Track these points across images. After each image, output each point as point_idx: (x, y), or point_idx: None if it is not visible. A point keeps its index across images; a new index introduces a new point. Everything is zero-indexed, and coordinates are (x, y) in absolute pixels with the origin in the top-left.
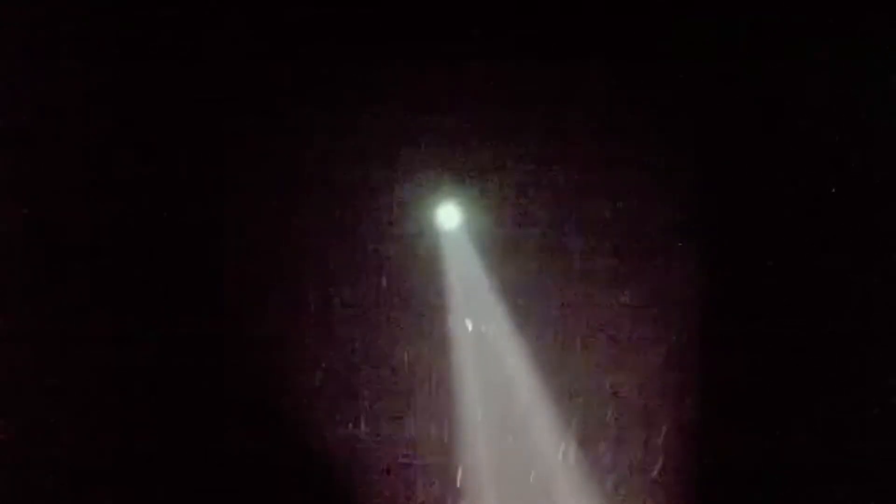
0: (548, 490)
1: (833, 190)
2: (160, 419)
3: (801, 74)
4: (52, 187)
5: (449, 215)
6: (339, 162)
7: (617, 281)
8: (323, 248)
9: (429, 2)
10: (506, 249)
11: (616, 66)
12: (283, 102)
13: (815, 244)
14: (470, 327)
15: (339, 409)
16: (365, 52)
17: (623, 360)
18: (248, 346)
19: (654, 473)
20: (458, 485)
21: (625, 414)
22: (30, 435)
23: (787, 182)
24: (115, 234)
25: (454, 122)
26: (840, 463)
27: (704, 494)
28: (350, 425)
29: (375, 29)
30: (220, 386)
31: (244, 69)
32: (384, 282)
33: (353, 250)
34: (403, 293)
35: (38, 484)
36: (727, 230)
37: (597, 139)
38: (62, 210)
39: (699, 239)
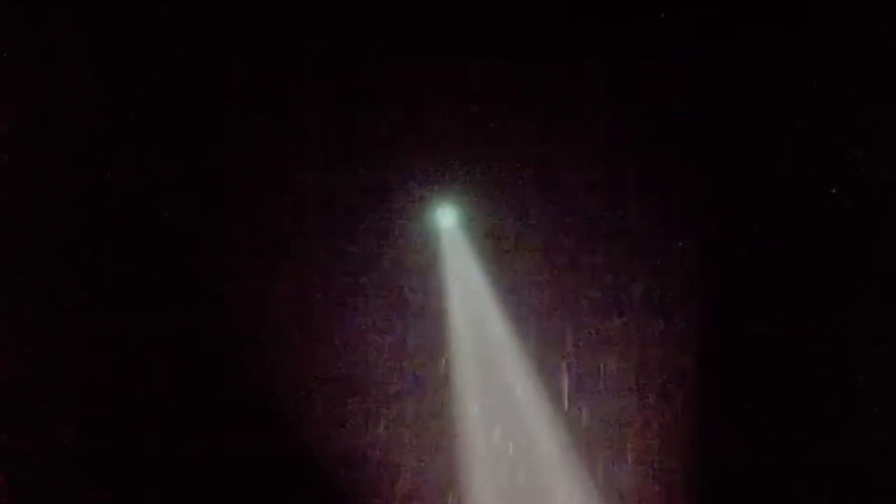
0: (546, 489)
1: (833, 190)
2: (160, 419)
3: (801, 74)
4: (51, 187)
5: (448, 215)
6: (338, 162)
7: (617, 281)
8: (323, 248)
9: (429, 1)
10: (505, 249)
11: (616, 66)
12: (283, 102)
13: (816, 244)
14: (469, 327)
15: (340, 409)
16: (365, 52)
17: (623, 360)
18: (248, 346)
19: (654, 472)
20: (459, 484)
21: (624, 413)
22: (30, 433)
23: (788, 182)
24: (115, 235)
25: (454, 122)
26: (840, 463)
27: (703, 493)
28: (350, 425)
29: (375, 28)
30: (220, 386)
31: (244, 69)
32: (384, 282)
33: (352, 250)
34: (403, 293)
35: (38, 484)
36: (727, 230)
37: (597, 139)
38: (62, 210)
39: (699, 239)
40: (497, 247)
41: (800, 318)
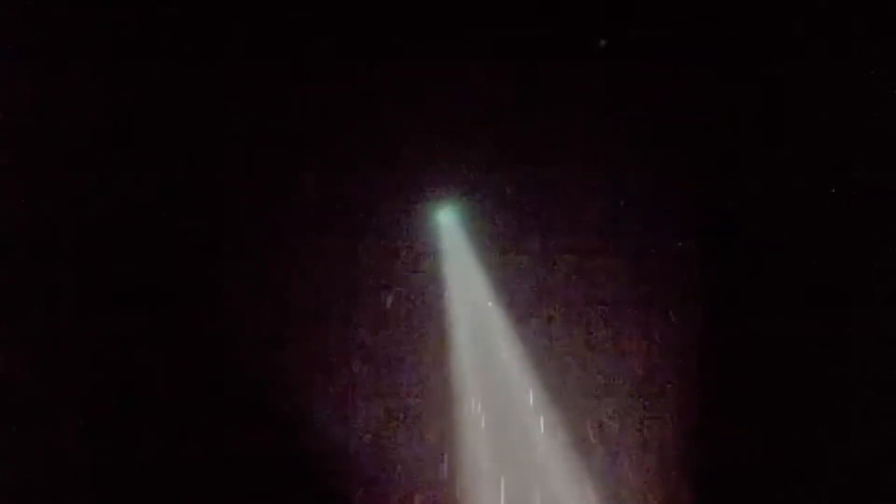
0: (547, 489)
1: (833, 190)
2: (160, 419)
3: (801, 74)
4: (51, 188)
5: (448, 215)
6: (338, 162)
7: (617, 281)
8: (322, 248)
9: (429, 2)
10: (505, 249)
11: (615, 66)
12: (283, 102)
13: (816, 244)
14: (469, 327)
15: (339, 409)
16: (365, 52)
17: (623, 360)
18: (247, 346)
19: (653, 472)
20: (459, 485)
21: (623, 413)
22: (30, 433)
23: (787, 182)
24: (115, 235)
25: (454, 122)
26: (840, 463)
27: (703, 493)
28: (350, 426)
29: (375, 29)
30: (219, 386)
31: (244, 69)
32: (384, 281)
33: (352, 250)
34: (403, 293)
35: (38, 484)
36: (727, 230)
37: (597, 139)
38: (61, 210)
39: (699, 239)
40: (497, 247)
41: (800, 318)
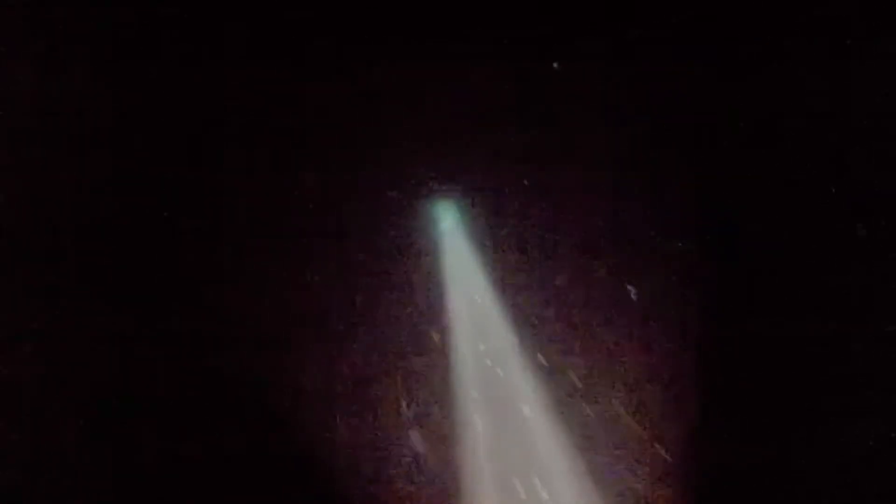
0: (546, 490)
1: (833, 190)
2: (160, 419)
3: (801, 75)
4: (51, 188)
5: (448, 215)
6: (338, 162)
7: (617, 281)
8: (322, 248)
9: (429, 2)
10: (505, 249)
11: (616, 66)
12: (283, 102)
13: (815, 244)
14: (470, 327)
15: (340, 409)
16: (365, 52)
17: (622, 359)
18: (248, 346)
19: (653, 472)
20: (460, 485)
21: (624, 413)
22: (30, 435)
23: (787, 182)
24: (115, 235)
25: (454, 122)
26: (840, 463)
27: (703, 493)
28: (350, 425)
29: (376, 29)
30: (219, 386)
31: (244, 69)
32: (384, 281)
33: (352, 251)
34: (403, 293)
35: (38, 484)
36: (727, 230)
37: (597, 139)
38: (62, 210)
39: (699, 239)
40: (497, 247)
41: (799, 318)
